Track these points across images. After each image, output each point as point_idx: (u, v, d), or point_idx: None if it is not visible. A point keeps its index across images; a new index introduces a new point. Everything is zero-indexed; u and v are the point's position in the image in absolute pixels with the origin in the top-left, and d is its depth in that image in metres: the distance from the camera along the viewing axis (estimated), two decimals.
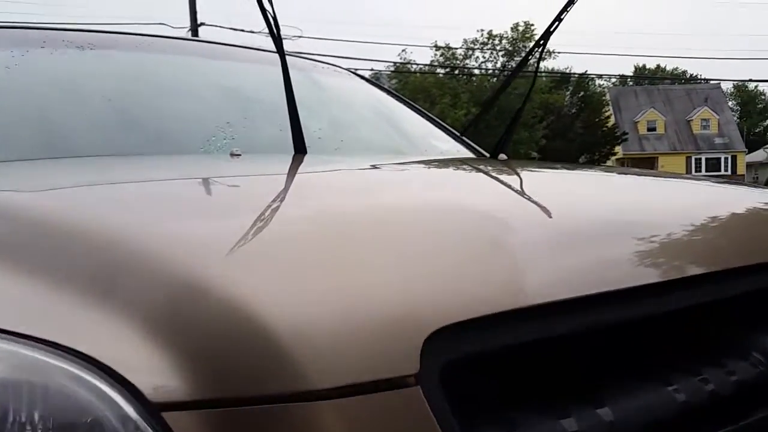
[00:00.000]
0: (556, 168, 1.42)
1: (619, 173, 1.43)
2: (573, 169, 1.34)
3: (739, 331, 0.71)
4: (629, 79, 51.60)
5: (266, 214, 0.67)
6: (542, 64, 29.44)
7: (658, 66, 54.59)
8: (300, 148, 1.24)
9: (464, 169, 1.24)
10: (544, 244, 0.63)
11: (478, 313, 0.51)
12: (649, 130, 40.03)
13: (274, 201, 0.75)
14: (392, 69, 27.05)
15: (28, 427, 0.43)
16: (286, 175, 1.04)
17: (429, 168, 1.26)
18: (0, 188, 0.80)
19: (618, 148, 31.03)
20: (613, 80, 49.09)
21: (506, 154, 1.68)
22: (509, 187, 0.98)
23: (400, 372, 0.46)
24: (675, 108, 40.62)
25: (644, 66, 54.65)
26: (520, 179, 1.06)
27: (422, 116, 2.06)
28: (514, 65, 29.14)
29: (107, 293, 0.50)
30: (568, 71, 31.39)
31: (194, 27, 17.54)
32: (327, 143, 1.53)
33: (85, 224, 0.61)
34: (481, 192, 0.94)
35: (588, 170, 1.54)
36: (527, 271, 0.59)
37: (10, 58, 1.39)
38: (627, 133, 33.39)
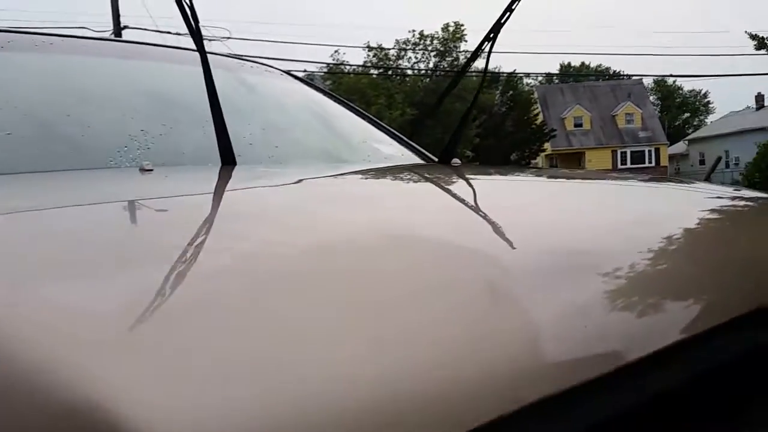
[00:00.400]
0: (521, 174, 1.30)
1: (590, 179, 1.27)
2: (542, 176, 1.22)
3: None
4: (555, 77, 53.12)
5: (167, 269, 0.46)
6: (474, 65, 29.87)
7: (583, 63, 56.45)
8: (228, 159, 1.07)
9: (424, 181, 1.09)
10: (564, 296, 0.46)
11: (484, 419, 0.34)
12: (575, 126, 41.25)
13: (182, 245, 0.53)
14: (325, 70, 26.82)
15: None
16: (206, 198, 0.82)
17: (383, 181, 1.10)
18: None
19: (547, 145, 31.76)
20: (540, 78, 50.43)
21: (457, 158, 1.56)
22: (487, 209, 0.76)
23: None
24: (600, 104, 42.03)
25: (569, 64, 56.41)
26: (493, 195, 0.90)
27: (363, 118, 1.92)
28: (446, 65, 29.51)
29: None
30: (497, 71, 31.95)
31: (117, 30, 16.79)
32: (260, 150, 1.36)
33: None
34: (457, 218, 0.72)
35: (558, 176, 1.42)
36: (552, 346, 0.41)
37: None
38: (555, 130, 34.27)
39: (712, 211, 0.90)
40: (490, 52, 1.40)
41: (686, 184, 1.23)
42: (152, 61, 1.63)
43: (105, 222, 0.64)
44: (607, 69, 54.22)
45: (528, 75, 46.03)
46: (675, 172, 42.26)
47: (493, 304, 0.44)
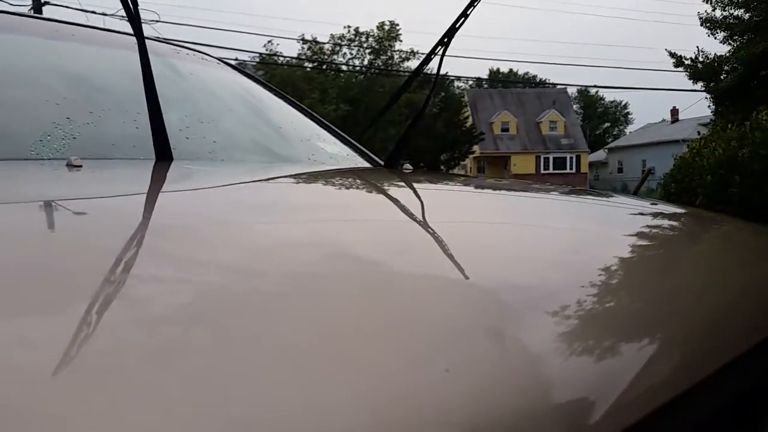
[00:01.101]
0: (462, 185, 1.27)
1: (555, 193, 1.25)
2: (481, 187, 1.19)
3: None
4: (484, 82, 54.29)
5: (106, 299, 0.37)
6: (406, 65, 30.11)
7: (511, 70, 57.99)
8: (163, 154, 0.99)
9: (383, 189, 1.04)
10: (567, 329, 0.43)
11: None
12: (503, 130, 42.29)
13: (123, 264, 0.44)
14: (258, 60, 26.30)
15: None
16: (144, 202, 0.73)
17: (327, 187, 1.04)
18: None
19: (475, 147, 32.39)
20: (470, 83, 51.43)
21: (404, 162, 1.52)
22: (433, 224, 0.71)
23: None
24: (526, 110, 43.26)
25: (498, 70, 57.82)
26: (441, 210, 0.85)
27: (306, 115, 1.85)
28: (380, 63, 29.56)
29: None
30: (429, 72, 32.32)
31: (37, 6, 15.79)
32: (197, 146, 1.28)
33: None
34: (405, 233, 0.66)
35: (498, 188, 1.40)
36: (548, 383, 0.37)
37: None
38: (483, 133, 34.99)
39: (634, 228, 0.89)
40: (443, 56, 1.37)
41: (605, 197, 1.24)
42: (79, 43, 1.51)
43: (26, 226, 0.55)
44: (534, 77, 55.93)
45: (459, 78, 46.89)
46: (594, 179, 44.02)
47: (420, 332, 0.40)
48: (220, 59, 1.98)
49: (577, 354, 0.40)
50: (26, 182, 0.81)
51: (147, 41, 1.03)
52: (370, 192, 1.05)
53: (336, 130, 1.83)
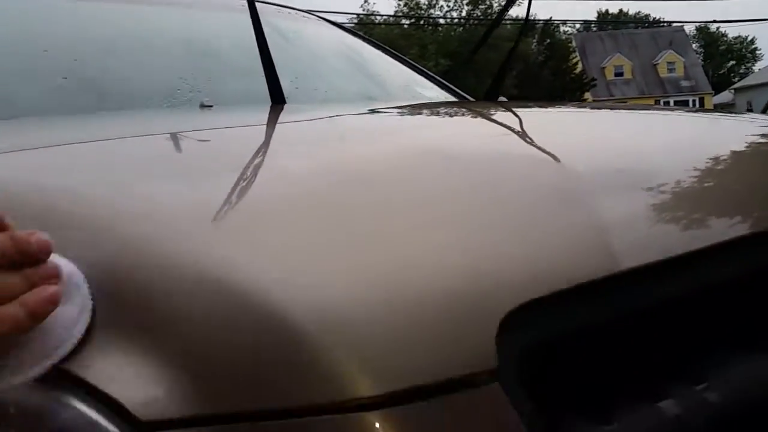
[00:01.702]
0: (564, 107, 1.30)
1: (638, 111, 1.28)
2: (592, 109, 1.22)
3: None
4: (593, 25, 51.39)
5: (270, 174, 0.54)
6: (509, 13, 29.14)
7: (621, 10, 54.42)
8: (278, 99, 1.10)
9: (477, 112, 1.11)
10: (620, 198, 0.52)
11: (556, 288, 0.40)
12: (616, 75, 40.10)
13: (274, 157, 0.62)
14: (355, 21, 26.45)
15: None
16: (276, 126, 0.89)
17: (440, 112, 1.11)
18: None
19: (587, 94, 31.02)
20: (578, 26, 48.86)
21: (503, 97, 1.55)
22: (545, 132, 0.81)
23: (473, 368, 0.35)
24: (641, 52, 40.67)
25: (607, 11, 54.46)
26: (549, 123, 0.92)
27: (403, 63, 1.91)
28: (479, 14, 28.74)
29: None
30: (532, 19, 31.06)
31: None
32: (306, 93, 1.38)
33: (43, 204, 0.49)
34: (517, 138, 0.78)
35: (618, 110, 1.42)
36: (606, 233, 0.46)
37: None
38: (595, 79, 33.40)
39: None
40: (529, 2, 1.37)
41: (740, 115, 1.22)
42: (194, 9, 1.66)
43: (213, 146, 0.72)
44: (647, 16, 52.27)
45: (565, 23, 44.65)
46: None
47: (571, 214, 0.49)
48: (318, 17, 2.08)
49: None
50: (179, 118, 0.98)
51: (258, 3, 1.14)
52: (476, 113, 1.12)
53: (433, 75, 1.89)
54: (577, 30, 47.88)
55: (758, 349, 0.49)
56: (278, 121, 0.92)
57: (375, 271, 0.39)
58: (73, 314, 0.36)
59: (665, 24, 45.55)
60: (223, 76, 1.39)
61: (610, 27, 49.67)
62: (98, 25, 1.37)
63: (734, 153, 0.80)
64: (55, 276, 0.36)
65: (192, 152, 0.66)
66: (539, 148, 0.69)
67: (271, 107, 1.04)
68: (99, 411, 0.34)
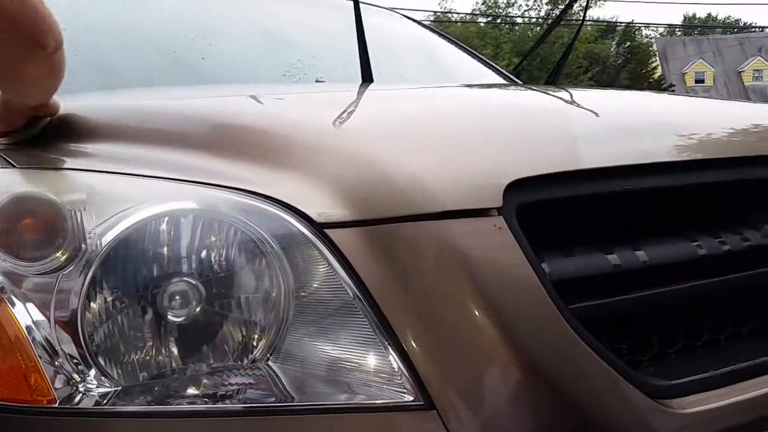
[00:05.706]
0: (610, 90, 1.57)
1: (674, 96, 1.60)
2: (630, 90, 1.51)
3: (757, 209, 0.86)
4: (678, 29, 49.66)
5: (385, 109, 0.95)
6: (588, 13, 28.63)
7: (709, 15, 52.32)
8: (367, 77, 1.39)
9: (529, 89, 1.41)
10: (606, 128, 0.86)
11: (547, 171, 0.71)
12: (697, 81, 38.66)
13: (385, 102, 1.06)
14: (432, 18, 26.64)
15: (234, 237, 0.64)
16: (378, 91, 1.24)
17: (495, 88, 1.50)
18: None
19: None
20: (661, 30, 47.35)
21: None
22: (572, 98, 1.15)
23: (488, 204, 0.66)
24: (726, 59, 39.06)
25: (694, 15, 52.47)
26: (583, 96, 1.23)
27: (471, 56, 2.18)
28: (558, 13, 28.32)
29: (282, 157, 0.72)
30: (614, 20, 30.37)
31: None
32: (389, 75, 1.69)
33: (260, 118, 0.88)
34: (548, 98, 1.15)
35: (656, 94, 1.74)
36: (587, 145, 0.79)
37: None
38: (674, 85, 32.41)
39: None
40: (587, 3, 1.62)
41: None
42: (299, 5, 1.99)
43: (348, 96, 1.14)
44: (737, 21, 50.04)
45: (648, 26, 43.43)
46: None
47: (567, 134, 0.83)
48: (400, 14, 2.38)
49: None
50: (313, 87, 1.37)
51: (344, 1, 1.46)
52: (536, 90, 1.41)
53: (501, 69, 2.15)
54: (660, 34, 46.46)
55: (675, 234, 0.78)
56: (378, 89, 1.27)
57: (450, 158, 0.73)
58: None
59: (757, 29, 43.58)
60: (319, 61, 1.72)
61: (696, 32, 47.93)
62: (231, 21, 1.74)
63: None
64: None
65: (340, 102, 1.05)
66: (563, 100, 1.06)
67: (363, 84, 1.34)
68: (290, 215, 0.64)
